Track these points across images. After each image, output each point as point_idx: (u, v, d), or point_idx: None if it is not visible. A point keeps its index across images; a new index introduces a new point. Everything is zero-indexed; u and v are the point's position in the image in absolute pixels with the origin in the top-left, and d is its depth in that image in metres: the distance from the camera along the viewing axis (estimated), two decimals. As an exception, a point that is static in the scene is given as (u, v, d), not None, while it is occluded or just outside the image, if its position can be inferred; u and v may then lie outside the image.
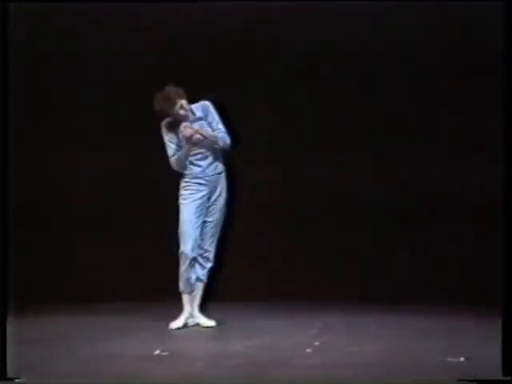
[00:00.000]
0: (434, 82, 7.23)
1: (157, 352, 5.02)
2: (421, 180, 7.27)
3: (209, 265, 6.10)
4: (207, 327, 5.89)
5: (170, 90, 6.00)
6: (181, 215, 6.01)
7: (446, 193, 7.21)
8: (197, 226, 6.00)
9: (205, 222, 6.07)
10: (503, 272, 4.88)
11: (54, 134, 7.63)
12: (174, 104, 5.94)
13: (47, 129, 7.60)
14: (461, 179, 7.15)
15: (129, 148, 7.52)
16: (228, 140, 6.10)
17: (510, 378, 4.42)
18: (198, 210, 6.01)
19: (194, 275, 6.02)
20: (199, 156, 6.07)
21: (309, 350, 4.97)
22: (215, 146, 6.08)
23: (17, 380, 4.57)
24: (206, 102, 6.21)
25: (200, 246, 6.03)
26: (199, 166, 6.06)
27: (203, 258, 6.07)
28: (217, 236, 6.16)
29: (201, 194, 6.03)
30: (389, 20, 7.16)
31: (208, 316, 6.04)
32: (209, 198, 6.07)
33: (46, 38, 7.41)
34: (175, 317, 6.01)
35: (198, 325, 5.92)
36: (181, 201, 6.05)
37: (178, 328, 5.87)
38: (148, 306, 6.86)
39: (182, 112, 5.99)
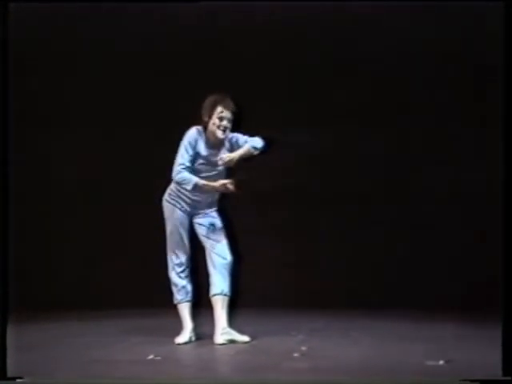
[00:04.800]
0: (432, 83, 7.25)
1: (150, 357, 5.06)
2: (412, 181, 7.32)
3: (229, 278, 5.75)
4: (244, 343, 5.58)
5: (228, 99, 5.64)
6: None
7: (435, 193, 7.26)
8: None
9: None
10: (502, 272, 4.89)
11: (53, 139, 7.64)
12: (217, 111, 5.58)
13: (47, 132, 7.61)
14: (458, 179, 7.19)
15: (128, 147, 7.54)
16: (259, 144, 5.63)
17: (509, 378, 4.43)
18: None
19: (186, 284, 5.79)
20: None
21: (296, 355, 5.07)
22: (253, 154, 5.62)
23: (17, 380, 4.59)
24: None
25: (222, 257, 5.72)
26: (191, 199, 5.74)
27: (225, 268, 5.72)
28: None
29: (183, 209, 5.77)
30: (389, 20, 7.17)
31: (195, 321, 5.82)
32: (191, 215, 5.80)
33: (46, 38, 7.42)
34: (174, 324, 5.88)
35: (232, 342, 5.57)
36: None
37: (185, 342, 5.68)
38: (149, 312, 6.95)
39: (218, 126, 5.57)
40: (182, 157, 5.60)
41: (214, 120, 5.62)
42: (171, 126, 7.21)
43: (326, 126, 7.38)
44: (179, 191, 5.71)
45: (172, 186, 5.76)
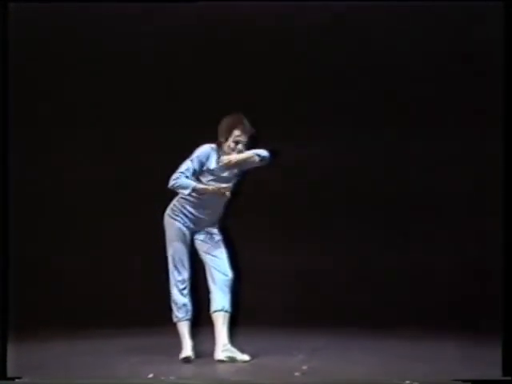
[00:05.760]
0: (433, 83, 7.24)
1: (150, 375, 5.07)
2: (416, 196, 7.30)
3: (230, 294, 5.73)
4: (244, 362, 5.54)
5: (245, 121, 5.63)
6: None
7: (435, 196, 7.25)
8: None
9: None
10: (503, 270, 4.90)
11: (53, 139, 7.62)
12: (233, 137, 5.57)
13: (47, 132, 7.60)
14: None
15: (129, 160, 7.51)
16: (263, 152, 5.60)
17: (509, 378, 4.44)
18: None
19: (187, 301, 5.73)
20: (201, 210, 5.72)
21: (297, 374, 5.08)
22: (255, 162, 5.61)
23: (17, 380, 4.59)
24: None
25: (223, 273, 5.71)
26: (194, 216, 5.73)
27: (226, 284, 5.72)
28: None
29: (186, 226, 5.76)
30: (388, 21, 7.16)
31: (195, 340, 5.75)
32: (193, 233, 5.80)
33: (46, 38, 7.41)
34: (174, 342, 5.77)
35: (233, 360, 5.54)
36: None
37: (185, 361, 5.59)
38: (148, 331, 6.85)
39: (231, 153, 5.56)
40: (186, 167, 5.57)
41: (230, 143, 5.61)
42: (173, 130, 7.27)
43: (325, 130, 7.36)
44: (183, 207, 5.69)
45: (175, 201, 5.74)
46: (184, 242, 5.73)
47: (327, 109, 7.37)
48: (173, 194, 5.69)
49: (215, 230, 5.82)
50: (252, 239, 7.24)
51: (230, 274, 5.73)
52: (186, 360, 5.60)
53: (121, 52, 7.47)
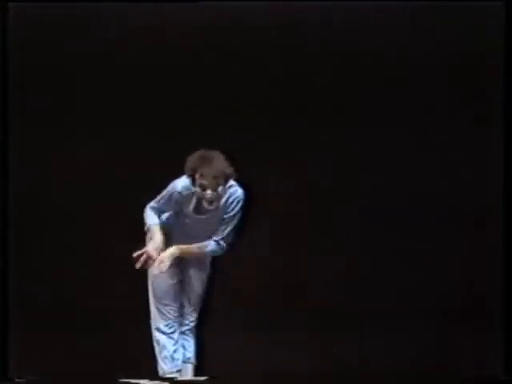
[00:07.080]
0: (432, 83, 7.25)
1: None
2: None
3: (193, 341, 5.05)
4: None
5: (219, 161, 4.95)
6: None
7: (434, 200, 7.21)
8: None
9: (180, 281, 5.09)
10: (503, 270, 4.91)
11: (53, 140, 7.60)
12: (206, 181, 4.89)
13: (47, 133, 7.59)
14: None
15: (131, 149, 7.50)
16: (218, 248, 5.01)
17: (510, 378, 4.45)
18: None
19: (177, 350, 4.96)
20: None
21: None
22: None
23: (17, 380, 4.60)
24: (240, 197, 5.08)
25: (184, 316, 5.05)
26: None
27: (187, 331, 5.06)
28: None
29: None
30: (388, 21, 7.16)
31: None
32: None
33: (46, 38, 7.41)
34: None
35: None
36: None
37: None
38: None
39: (206, 198, 4.91)
40: (163, 202, 5.07)
41: (196, 188, 4.96)
42: (173, 130, 7.25)
43: (322, 133, 7.35)
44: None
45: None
46: (174, 273, 5.05)
47: (326, 107, 7.37)
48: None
49: (205, 264, 5.13)
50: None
51: (192, 317, 5.03)
52: None
53: (121, 52, 7.46)
